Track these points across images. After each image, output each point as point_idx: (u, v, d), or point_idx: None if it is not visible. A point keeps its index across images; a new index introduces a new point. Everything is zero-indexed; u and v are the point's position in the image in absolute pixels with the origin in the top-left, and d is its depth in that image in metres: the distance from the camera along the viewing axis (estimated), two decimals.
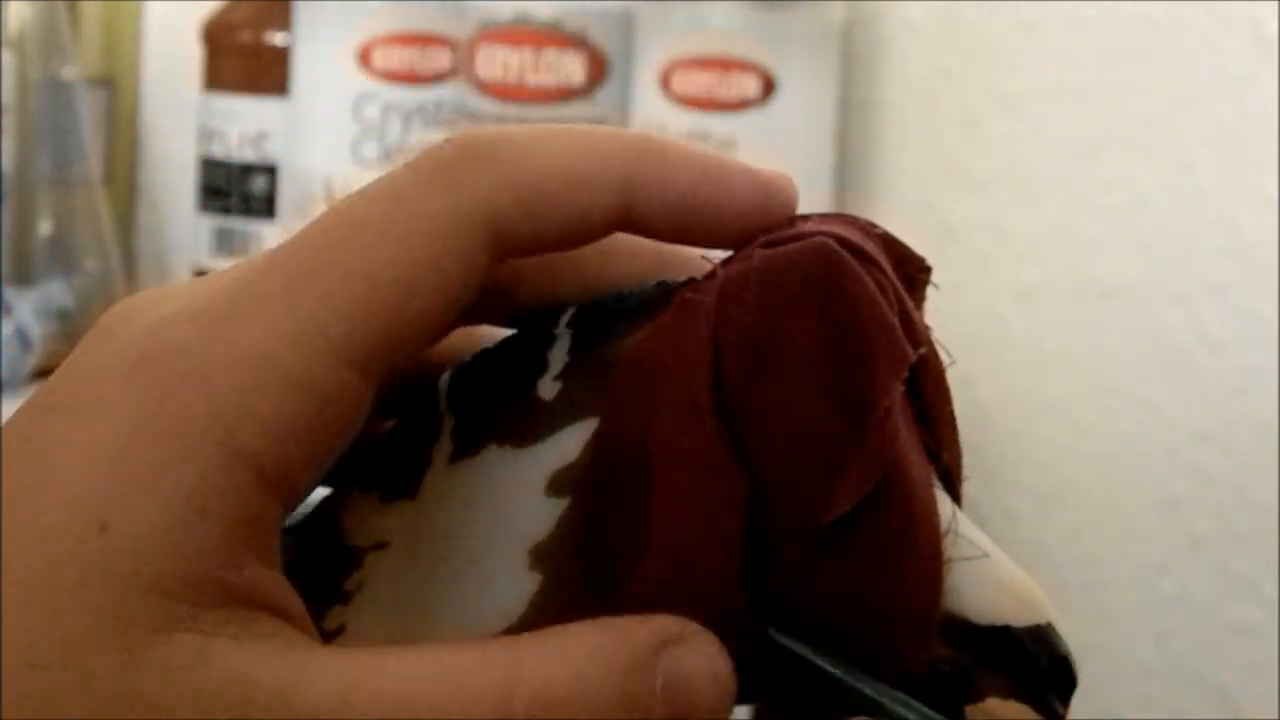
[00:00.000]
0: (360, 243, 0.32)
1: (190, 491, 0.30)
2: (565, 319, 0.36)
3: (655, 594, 0.32)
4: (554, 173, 0.33)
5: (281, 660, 0.30)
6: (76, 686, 0.30)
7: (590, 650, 0.31)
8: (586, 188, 0.33)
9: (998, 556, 0.33)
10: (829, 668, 0.32)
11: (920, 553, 0.32)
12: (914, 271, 0.35)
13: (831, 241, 0.33)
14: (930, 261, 0.35)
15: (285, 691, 0.30)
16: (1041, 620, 0.33)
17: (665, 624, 0.32)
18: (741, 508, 0.32)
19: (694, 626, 0.32)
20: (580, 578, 0.33)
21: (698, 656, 0.32)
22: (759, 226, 0.34)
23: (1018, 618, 0.33)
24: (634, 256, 0.36)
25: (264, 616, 0.31)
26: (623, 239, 0.36)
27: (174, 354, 0.31)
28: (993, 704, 0.33)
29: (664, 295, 0.34)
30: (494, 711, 0.30)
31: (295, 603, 0.32)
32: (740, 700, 0.33)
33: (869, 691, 0.32)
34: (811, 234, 0.33)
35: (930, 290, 0.35)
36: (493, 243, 0.33)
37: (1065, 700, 0.32)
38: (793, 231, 0.34)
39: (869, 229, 0.34)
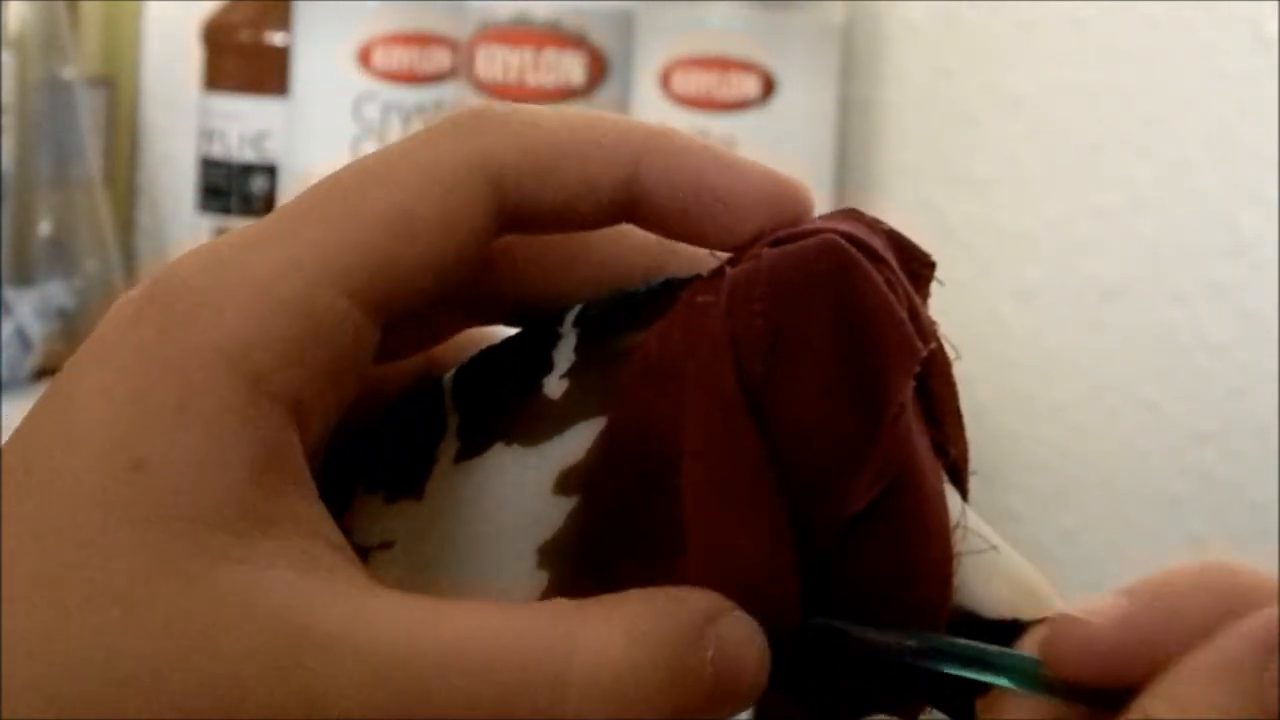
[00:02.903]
0: (365, 185, 0.32)
1: (214, 421, 0.30)
2: (571, 318, 0.36)
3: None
4: (565, 137, 0.33)
5: (342, 596, 0.30)
6: (134, 621, 0.30)
7: (645, 619, 0.31)
8: (597, 155, 0.33)
9: (1005, 550, 0.34)
10: (892, 639, 0.32)
11: (931, 548, 0.33)
12: (919, 267, 0.35)
13: (840, 239, 0.33)
14: None
15: (346, 628, 0.30)
16: (1049, 613, 0.33)
17: (710, 597, 0.32)
18: (786, 504, 0.32)
19: (731, 603, 0.32)
20: (589, 576, 0.33)
21: (742, 630, 0.32)
22: (768, 222, 0.34)
23: (1026, 611, 0.33)
24: (639, 251, 0.36)
25: (321, 548, 0.31)
26: (627, 233, 0.35)
27: (179, 290, 0.31)
28: (1004, 698, 0.33)
29: (670, 294, 0.34)
30: (552, 673, 0.30)
31: (338, 535, 0.32)
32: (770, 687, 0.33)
33: (942, 645, 0.32)
34: (819, 231, 0.33)
35: (932, 288, 0.35)
36: (498, 196, 0.33)
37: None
38: (800, 229, 0.34)
39: (875, 225, 0.34)
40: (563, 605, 0.32)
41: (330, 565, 0.31)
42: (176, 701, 0.29)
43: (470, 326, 0.37)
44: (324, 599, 0.30)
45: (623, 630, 0.31)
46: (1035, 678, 0.32)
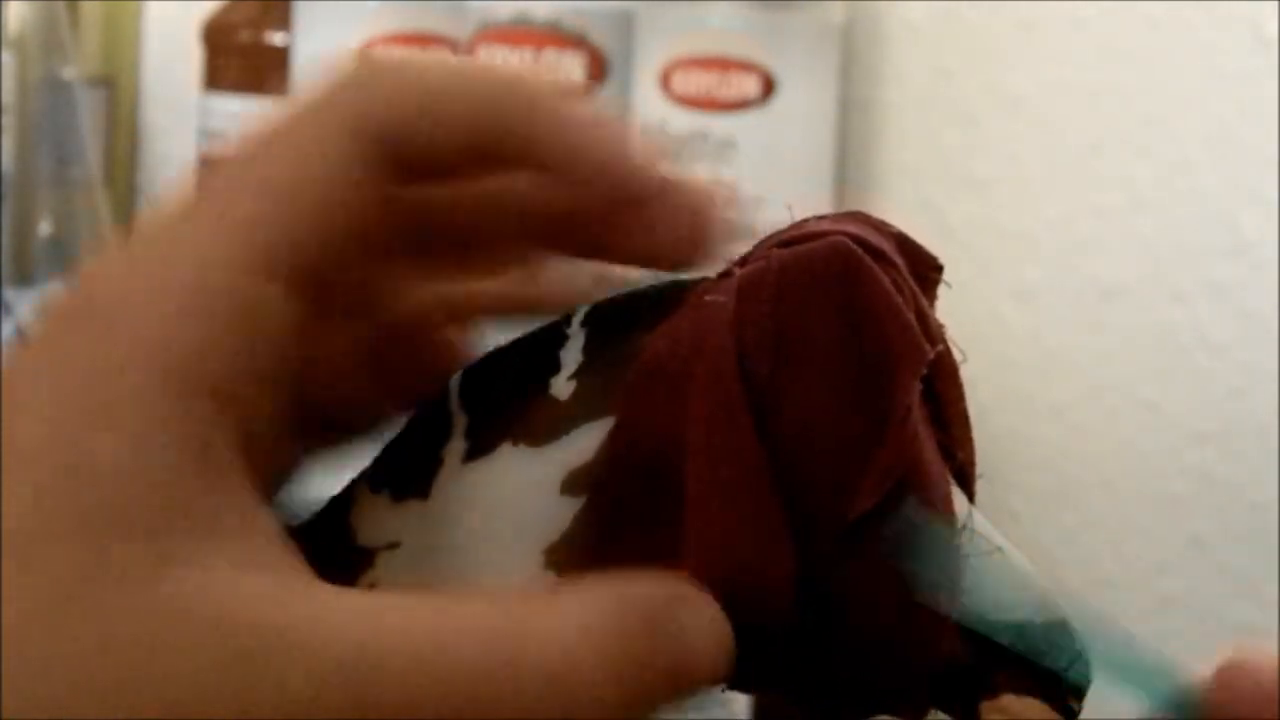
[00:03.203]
0: (255, 160, 0.32)
1: (140, 423, 0.30)
2: (578, 318, 0.36)
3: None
4: (451, 86, 0.33)
5: (285, 594, 0.30)
6: (70, 635, 0.29)
7: (598, 608, 0.31)
8: (486, 104, 0.33)
9: (1011, 553, 0.34)
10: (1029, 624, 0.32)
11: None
12: (926, 270, 0.35)
13: (848, 240, 0.33)
14: None
15: (290, 627, 0.30)
16: (1056, 617, 0.33)
17: (672, 586, 0.32)
18: (791, 496, 0.32)
19: (695, 589, 0.32)
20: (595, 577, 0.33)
21: (700, 618, 0.32)
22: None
23: (1032, 614, 0.33)
24: (571, 281, 0.36)
25: (259, 544, 0.31)
26: (557, 268, 0.36)
27: (98, 293, 0.31)
28: (1008, 700, 0.33)
29: (678, 294, 0.35)
30: (503, 660, 0.30)
31: (275, 527, 0.32)
32: (760, 686, 0.33)
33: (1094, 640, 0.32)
34: (827, 233, 0.33)
35: None
36: (384, 149, 0.33)
37: (1080, 696, 0.32)
38: (808, 231, 0.34)
39: (882, 227, 0.34)
40: (516, 596, 0.32)
41: (270, 562, 0.31)
42: (117, 715, 0.29)
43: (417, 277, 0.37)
44: (265, 598, 0.30)
45: (575, 621, 0.31)
46: (1192, 708, 0.32)
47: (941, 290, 0.35)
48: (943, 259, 0.35)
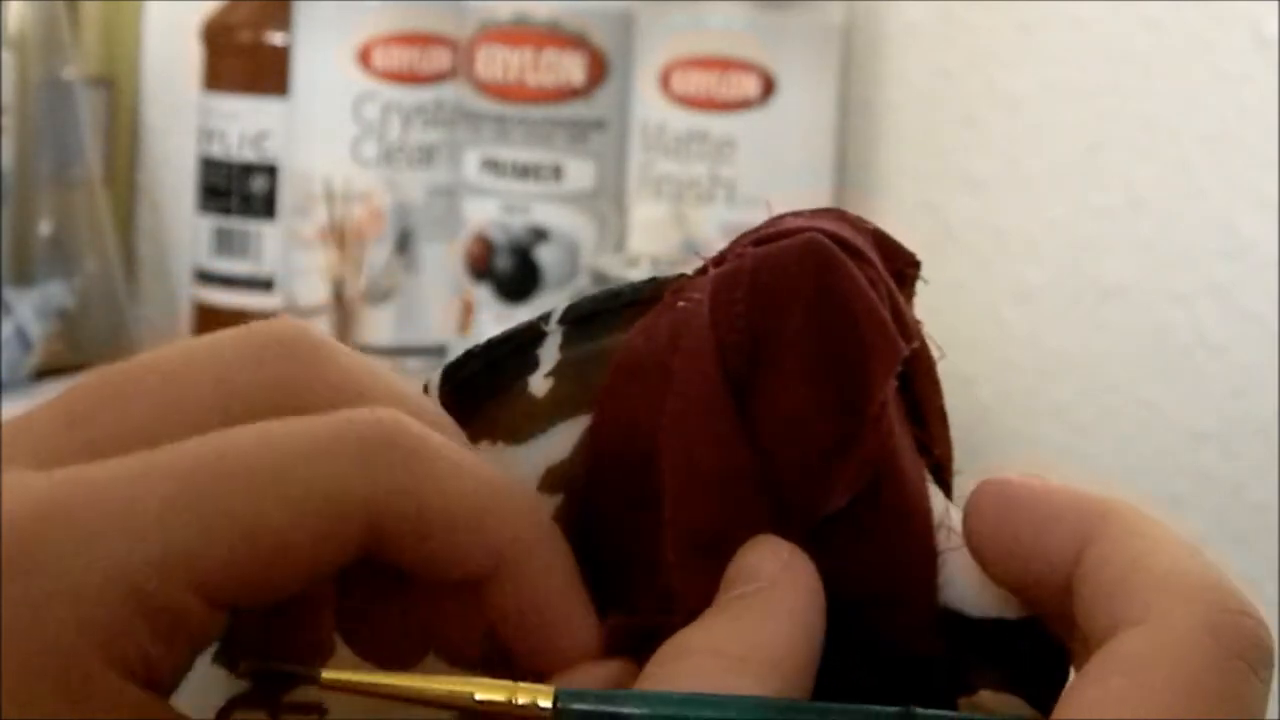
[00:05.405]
0: (249, 488, 0.31)
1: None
2: (556, 316, 0.36)
3: (679, 576, 0.33)
4: (459, 508, 0.33)
5: None
6: None
7: None
8: (482, 532, 0.33)
9: None
10: None
11: (914, 546, 0.33)
12: (904, 267, 0.35)
13: (822, 237, 0.33)
14: (930, 261, 0.35)
15: None
16: (1032, 612, 0.33)
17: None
18: (768, 491, 0.32)
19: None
20: None
21: None
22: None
23: (1010, 609, 0.33)
24: None
25: None
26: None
27: (39, 564, 0.31)
28: (985, 696, 0.33)
29: (654, 293, 0.35)
30: None
31: None
32: None
33: None
34: (801, 230, 0.33)
35: (930, 290, 0.35)
36: (372, 540, 0.32)
37: (1057, 692, 0.32)
38: (783, 228, 0.34)
39: (859, 224, 0.34)
40: None
41: None
42: None
43: None
44: None
45: None
46: None
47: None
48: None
